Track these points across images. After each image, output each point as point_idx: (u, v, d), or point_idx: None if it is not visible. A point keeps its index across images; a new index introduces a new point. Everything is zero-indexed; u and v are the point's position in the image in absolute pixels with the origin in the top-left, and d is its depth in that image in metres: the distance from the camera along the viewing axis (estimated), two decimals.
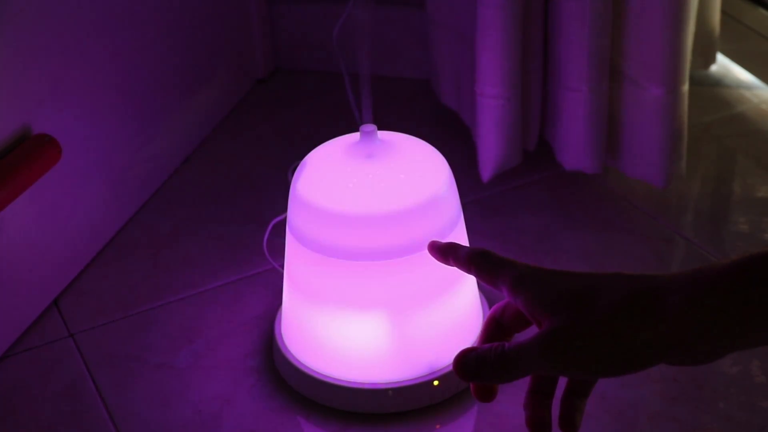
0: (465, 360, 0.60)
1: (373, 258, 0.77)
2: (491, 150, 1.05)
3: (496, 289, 0.62)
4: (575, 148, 1.06)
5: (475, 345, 0.62)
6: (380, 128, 0.80)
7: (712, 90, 1.28)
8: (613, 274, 0.57)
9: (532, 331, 0.58)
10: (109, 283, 1.00)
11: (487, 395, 0.63)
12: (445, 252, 0.70)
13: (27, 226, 0.91)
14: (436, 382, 0.82)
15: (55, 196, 0.95)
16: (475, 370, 0.59)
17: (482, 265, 0.64)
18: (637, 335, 0.54)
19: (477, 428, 0.83)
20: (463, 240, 0.83)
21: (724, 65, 1.32)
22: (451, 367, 0.82)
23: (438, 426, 0.82)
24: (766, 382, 0.84)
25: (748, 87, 1.29)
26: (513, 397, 0.84)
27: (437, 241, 0.73)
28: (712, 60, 1.27)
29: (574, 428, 0.62)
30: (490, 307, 0.89)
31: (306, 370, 0.84)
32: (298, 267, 0.82)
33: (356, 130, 0.80)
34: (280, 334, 0.88)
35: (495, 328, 0.65)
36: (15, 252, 0.90)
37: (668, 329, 0.53)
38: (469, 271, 0.66)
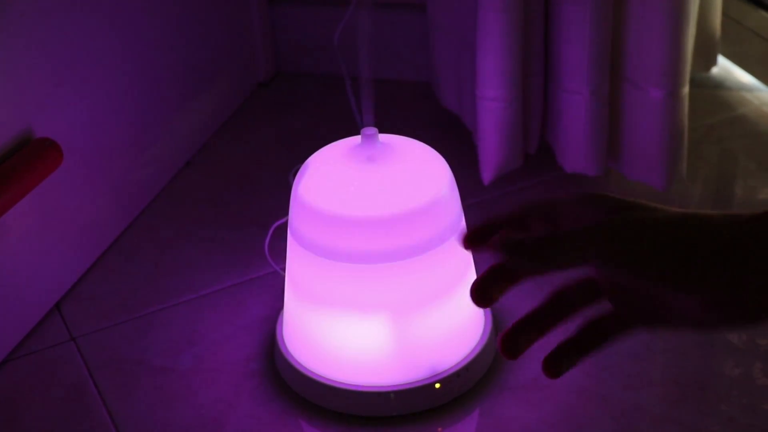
0: (502, 244, 0.50)
1: (375, 261, 0.77)
2: (492, 153, 1.05)
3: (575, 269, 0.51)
4: (576, 150, 1.06)
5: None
6: (381, 131, 0.80)
7: (713, 92, 1.28)
8: (694, 215, 0.48)
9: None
10: (111, 286, 1.00)
11: (558, 367, 0.56)
12: (481, 233, 0.57)
13: (29, 230, 0.92)
14: (437, 385, 0.82)
15: (57, 199, 0.95)
16: (514, 259, 0.49)
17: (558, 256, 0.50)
18: (697, 245, 0.46)
19: (479, 431, 0.83)
20: None
21: (725, 67, 1.32)
22: (452, 370, 0.83)
23: (440, 429, 0.82)
24: None
25: (749, 89, 1.29)
26: (514, 400, 0.84)
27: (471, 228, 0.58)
28: (713, 62, 1.27)
29: (555, 374, 0.56)
30: (492, 310, 0.89)
31: (307, 373, 0.84)
32: (300, 270, 0.82)
33: (357, 133, 0.80)
34: (282, 337, 0.88)
35: (555, 299, 0.55)
36: (17, 256, 0.91)
37: (727, 244, 0.46)
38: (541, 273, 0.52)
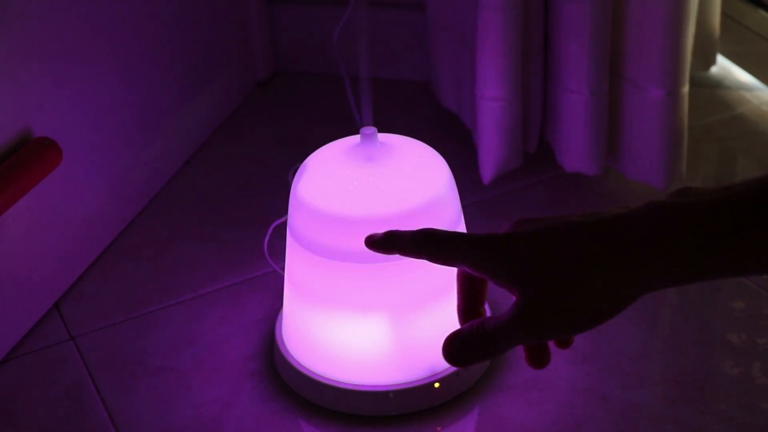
0: (452, 348, 0.61)
1: (374, 260, 0.77)
2: (492, 152, 1.05)
3: (453, 266, 0.63)
4: (576, 150, 1.06)
5: (456, 305, 0.66)
6: (380, 131, 0.80)
7: (712, 91, 1.28)
8: (565, 224, 0.57)
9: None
10: (110, 286, 1.00)
11: (540, 360, 0.63)
12: (385, 243, 0.68)
13: (28, 229, 0.92)
14: (437, 385, 0.82)
15: (56, 199, 0.95)
16: (464, 355, 0.61)
17: (432, 248, 0.63)
18: (605, 293, 0.55)
19: (478, 430, 0.83)
20: None
21: (724, 67, 1.32)
22: (452, 369, 0.83)
23: (439, 429, 0.82)
24: None
25: (748, 88, 1.29)
26: (513, 400, 0.84)
27: (374, 234, 0.69)
28: (713, 61, 1.27)
29: (543, 364, 0.63)
30: (491, 308, 0.89)
31: (307, 373, 0.84)
32: (299, 269, 0.82)
33: (356, 132, 0.80)
34: (281, 336, 0.88)
35: (468, 283, 0.65)
36: (16, 255, 0.91)
37: (635, 281, 0.54)
38: (419, 257, 0.64)
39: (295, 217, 0.81)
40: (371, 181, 0.78)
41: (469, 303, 0.66)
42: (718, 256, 0.52)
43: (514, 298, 0.58)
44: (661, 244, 0.53)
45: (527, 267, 0.57)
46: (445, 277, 0.79)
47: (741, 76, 1.31)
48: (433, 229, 0.64)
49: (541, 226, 0.58)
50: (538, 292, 0.56)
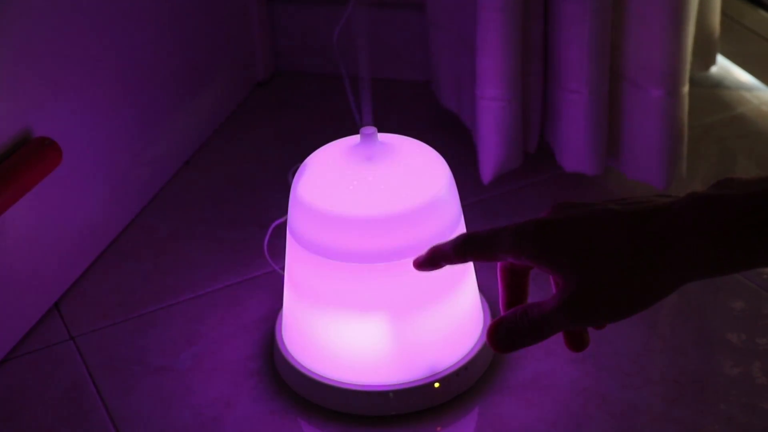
0: (497, 335, 0.61)
1: (374, 260, 0.77)
2: (492, 152, 1.05)
3: (499, 261, 0.64)
4: (576, 149, 1.06)
5: (500, 299, 0.66)
6: (380, 131, 0.80)
7: (712, 91, 1.28)
8: (606, 212, 0.58)
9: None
10: (110, 285, 1.00)
11: (580, 344, 0.64)
12: (432, 260, 0.69)
13: (28, 229, 0.92)
14: (436, 385, 0.82)
15: (56, 199, 0.95)
16: (510, 342, 0.61)
17: (475, 250, 0.64)
18: (647, 282, 0.56)
19: (478, 430, 0.83)
20: None
21: (724, 67, 1.32)
22: (451, 369, 0.83)
23: (439, 428, 0.82)
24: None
25: (748, 88, 1.29)
26: (513, 399, 0.84)
27: (419, 257, 0.70)
28: (712, 61, 1.27)
29: (582, 348, 0.64)
30: (490, 308, 0.89)
31: (307, 373, 0.84)
32: (299, 269, 0.82)
33: (356, 132, 0.80)
34: (281, 336, 0.88)
35: (510, 276, 0.66)
36: (16, 255, 0.91)
37: (676, 271, 0.55)
38: (466, 262, 0.66)
39: (294, 217, 0.81)
40: (371, 180, 0.78)
41: (513, 296, 0.67)
42: (759, 248, 0.53)
43: (553, 288, 0.60)
44: (701, 236, 0.54)
45: (570, 253, 0.57)
46: (445, 277, 0.79)
47: (741, 75, 1.31)
48: (472, 232, 0.65)
49: (581, 212, 0.59)
50: (582, 279, 0.57)
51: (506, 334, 0.61)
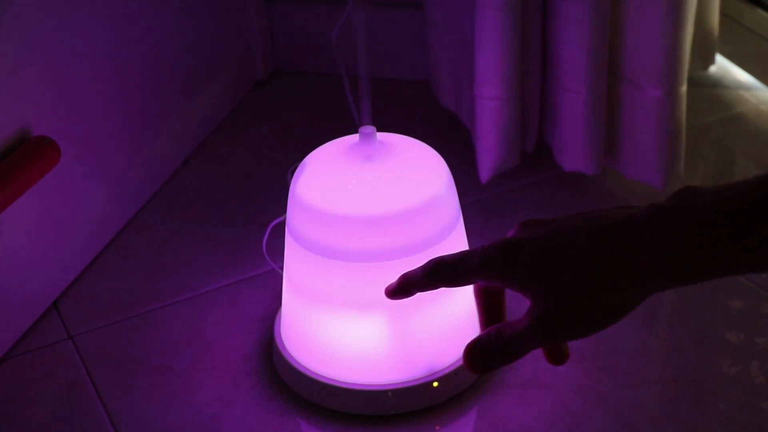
0: (472, 356, 0.63)
1: (373, 260, 0.77)
2: (490, 151, 1.05)
3: (470, 284, 0.65)
4: (574, 149, 1.06)
5: (478, 320, 0.68)
6: (379, 130, 0.80)
7: (711, 91, 1.28)
8: (570, 229, 0.58)
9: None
10: (109, 284, 1.00)
11: (559, 358, 0.65)
12: (403, 288, 0.70)
13: (26, 228, 0.91)
14: (435, 384, 0.82)
15: (55, 198, 0.95)
16: (485, 362, 0.63)
17: (445, 275, 0.65)
18: (613, 297, 0.57)
19: (477, 429, 0.83)
20: (461, 240, 0.83)
21: (723, 66, 1.32)
22: (450, 369, 0.83)
23: (438, 427, 0.82)
24: (766, 383, 0.84)
25: (747, 88, 1.29)
26: (512, 399, 0.84)
27: (389, 285, 0.72)
28: (711, 61, 1.27)
29: (562, 361, 0.66)
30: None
31: (305, 372, 0.84)
32: (298, 269, 0.82)
33: (355, 131, 0.80)
34: (280, 335, 0.88)
35: (485, 296, 0.68)
36: (15, 254, 0.91)
37: (641, 284, 0.56)
38: (436, 288, 0.67)
39: (293, 216, 0.81)
40: (370, 180, 0.78)
41: (490, 317, 0.68)
42: (721, 259, 0.53)
43: (528, 303, 0.60)
44: (664, 249, 0.54)
45: (536, 273, 0.58)
46: None
47: (740, 75, 1.31)
48: (440, 257, 0.66)
49: (545, 230, 0.59)
50: (549, 298, 0.58)
51: (481, 355, 0.62)
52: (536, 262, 0.58)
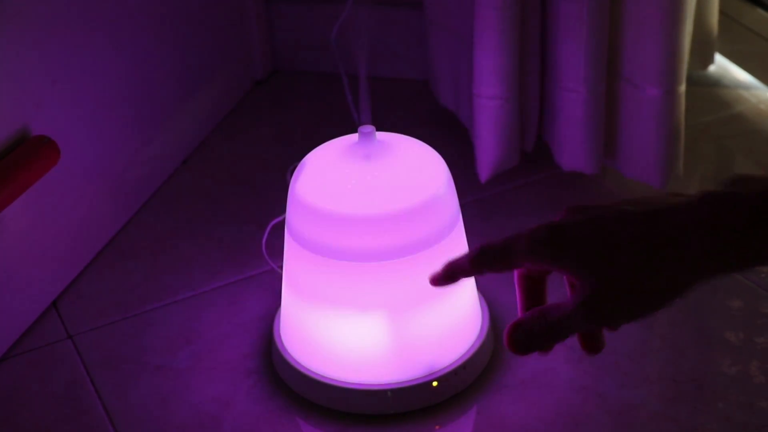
0: (515, 337, 0.62)
1: (372, 259, 0.77)
2: (489, 151, 1.05)
3: (518, 268, 0.64)
4: (573, 148, 1.06)
5: (518, 307, 0.66)
6: (379, 129, 0.80)
7: (710, 90, 1.28)
8: (620, 213, 0.58)
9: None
10: (108, 284, 1.00)
11: (596, 346, 0.64)
12: (449, 275, 0.69)
13: (25, 228, 0.91)
14: (435, 383, 0.82)
15: (54, 197, 0.95)
16: (527, 344, 0.61)
17: (492, 261, 0.64)
18: (663, 282, 0.57)
19: (476, 429, 0.83)
20: (461, 240, 0.83)
21: (722, 66, 1.32)
22: (449, 368, 0.83)
23: (437, 427, 0.82)
24: (766, 383, 0.84)
25: (746, 87, 1.29)
26: (512, 399, 0.84)
27: (435, 273, 0.70)
28: (711, 60, 1.27)
29: (598, 350, 0.64)
30: (489, 308, 0.89)
31: (305, 372, 0.84)
32: (297, 268, 0.82)
33: (355, 131, 0.80)
34: (279, 335, 0.88)
35: (528, 283, 0.66)
36: (14, 253, 0.90)
37: (692, 270, 0.56)
38: (483, 274, 0.66)
39: (293, 216, 0.81)
40: (369, 179, 0.78)
41: (531, 303, 0.67)
42: None
43: (568, 291, 0.60)
44: (714, 235, 0.55)
45: (586, 255, 0.58)
46: None
47: (739, 74, 1.31)
48: (486, 243, 0.64)
49: (594, 214, 0.59)
50: (599, 280, 0.57)
51: (524, 336, 0.61)
52: (587, 244, 0.58)
